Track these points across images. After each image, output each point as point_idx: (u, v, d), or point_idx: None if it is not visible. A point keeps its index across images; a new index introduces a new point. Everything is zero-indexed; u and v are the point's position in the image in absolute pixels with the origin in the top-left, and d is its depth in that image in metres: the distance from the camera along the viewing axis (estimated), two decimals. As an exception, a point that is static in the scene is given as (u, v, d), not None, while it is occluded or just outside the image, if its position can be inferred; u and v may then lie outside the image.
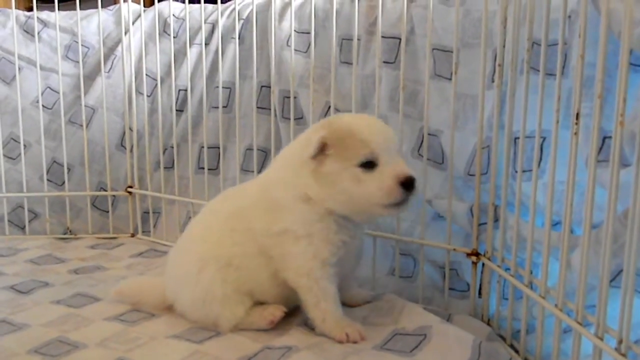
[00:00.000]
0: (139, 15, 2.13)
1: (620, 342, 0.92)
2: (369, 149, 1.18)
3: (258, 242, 1.27)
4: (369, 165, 1.18)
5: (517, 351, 1.27)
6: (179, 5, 2.14)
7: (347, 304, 1.38)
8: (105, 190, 2.15)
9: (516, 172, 1.24)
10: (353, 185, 1.19)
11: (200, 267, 1.30)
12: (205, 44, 2.01)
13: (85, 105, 2.11)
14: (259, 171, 1.82)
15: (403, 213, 1.48)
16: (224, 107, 1.95)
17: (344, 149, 1.19)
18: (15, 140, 2.13)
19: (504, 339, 1.33)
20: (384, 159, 1.18)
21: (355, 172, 1.19)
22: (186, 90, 2.00)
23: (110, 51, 2.17)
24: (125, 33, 2.12)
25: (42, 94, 2.13)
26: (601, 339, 0.96)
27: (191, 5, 2.07)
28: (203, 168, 1.94)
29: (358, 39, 1.62)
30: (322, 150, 1.20)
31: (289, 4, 1.85)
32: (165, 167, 2.09)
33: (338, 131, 1.21)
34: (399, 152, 1.24)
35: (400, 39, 1.50)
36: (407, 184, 1.17)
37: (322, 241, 1.23)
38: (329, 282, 1.25)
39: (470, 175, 1.43)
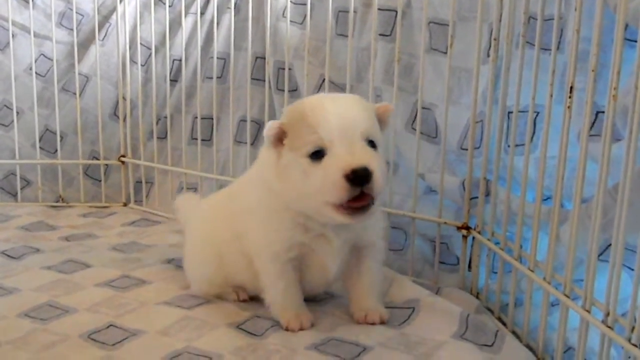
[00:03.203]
0: (134, -17, 2.11)
1: (607, 314, 0.93)
2: (317, 135, 1.00)
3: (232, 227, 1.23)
4: (318, 155, 1.00)
5: (504, 324, 1.28)
6: (175, -27, 2.12)
7: (354, 318, 1.21)
8: (98, 159, 2.14)
9: (509, 146, 1.25)
10: (301, 179, 1.02)
11: (200, 249, 1.31)
12: (201, 14, 1.99)
13: (78, 74, 2.09)
14: (252, 143, 1.82)
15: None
16: (218, 77, 1.94)
17: (296, 136, 1.03)
18: (8, 107, 2.12)
19: (492, 311, 1.34)
20: (335, 148, 0.99)
21: (303, 164, 1.02)
22: (180, 60, 1.98)
23: (104, 19, 2.15)
24: (120, 1, 2.09)
25: (35, 61, 2.11)
26: (588, 311, 0.98)
27: (187, -26, 2.05)
28: (196, 139, 1.93)
29: (354, 12, 1.61)
30: (279, 139, 1.05)
31: (286, -26, 1.84)
32: (158, 137, 2.08)
33: (292, 115, 1.05)
34: (366, 137, 1.02)
35: (396, 12, 1.49)
36: (355, 178, 0.96)
37: (276, 232, 1.12)
38: (280, 278, 1.16)
39: (463, 149, 1.43)
